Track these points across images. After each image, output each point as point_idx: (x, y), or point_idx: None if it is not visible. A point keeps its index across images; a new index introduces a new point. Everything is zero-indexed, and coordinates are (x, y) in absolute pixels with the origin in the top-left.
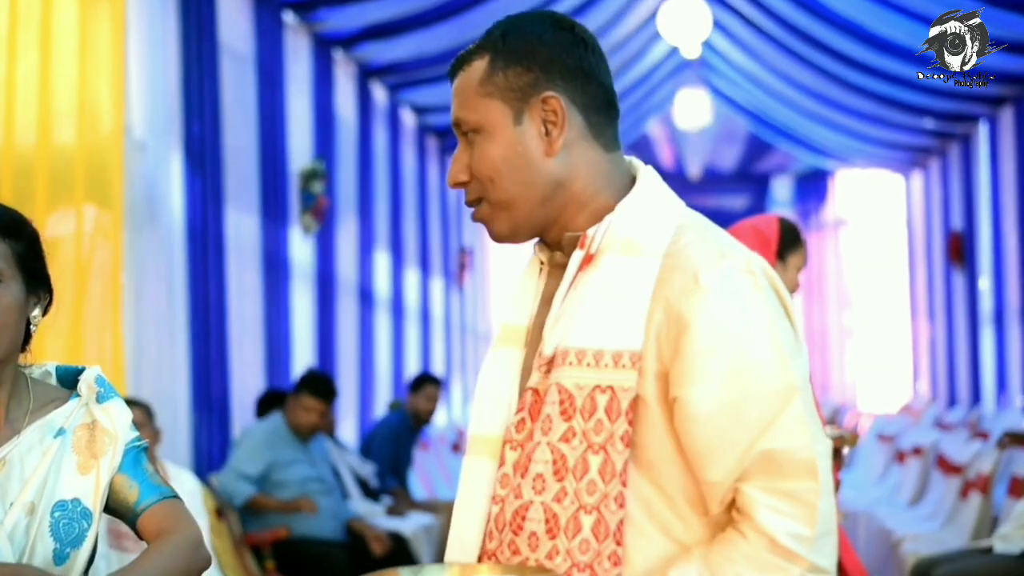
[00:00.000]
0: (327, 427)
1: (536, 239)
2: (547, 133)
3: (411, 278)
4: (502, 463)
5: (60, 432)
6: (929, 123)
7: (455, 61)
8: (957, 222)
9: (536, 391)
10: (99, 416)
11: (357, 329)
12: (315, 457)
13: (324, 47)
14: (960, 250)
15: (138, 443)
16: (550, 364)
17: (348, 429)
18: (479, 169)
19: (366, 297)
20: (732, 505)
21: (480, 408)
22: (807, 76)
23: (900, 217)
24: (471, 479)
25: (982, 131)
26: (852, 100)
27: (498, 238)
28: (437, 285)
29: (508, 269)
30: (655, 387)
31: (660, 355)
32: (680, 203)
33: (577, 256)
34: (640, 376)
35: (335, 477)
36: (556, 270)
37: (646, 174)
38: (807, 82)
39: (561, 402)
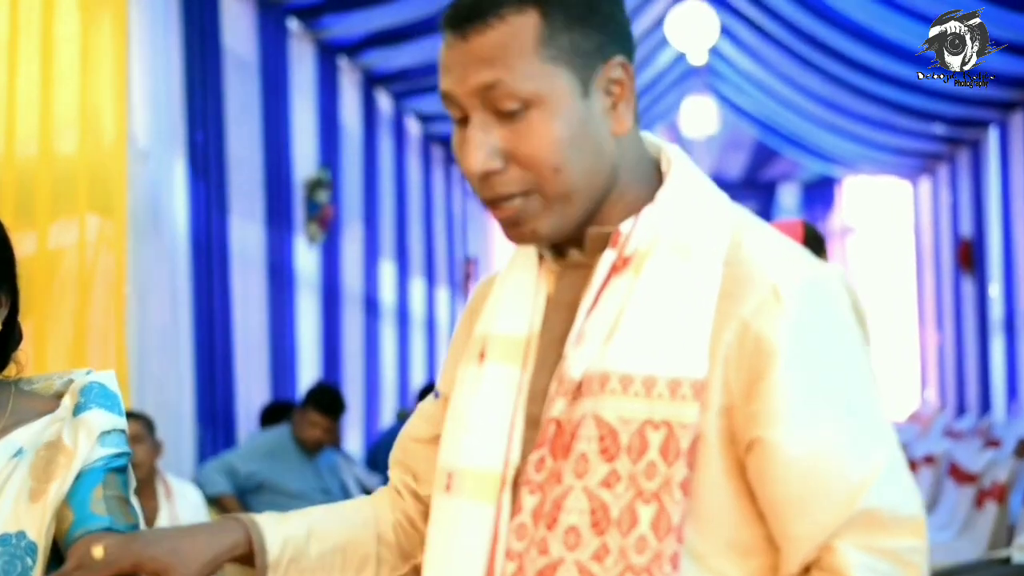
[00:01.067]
0: (332, 441)
1: None
2: (613, 107)
3: (416, 288)
4: (517, 510)
5: (18, 453)
6: (939, 128)
7: (468, 8)
8: (966, 228)
9: (559, 423)
10: (65, 432)
11: (363, 339)
12: (321, 469)
13: (329, 54)
14: (970, 257)
15: (104, 463)
16: (578, 391)
17: (354, 440)
18: (539, 154)
19: (371, 307)
20: (814, 563)
21: (465, 436)
22: (815, 81)
23: (908, 224)
24: (458, 525)
25: (992, 136)
26: (860, 106)
27: (532, 239)
28: (443, 295)
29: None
30: (717, 424)
31: (728, 386)
32: (723, 194)
33: (608, 257)
34: (702, 410)
35: (342, 489)
36: (570, 272)
37: (678, 157)
38: (815, 88)
39: (601, 438)
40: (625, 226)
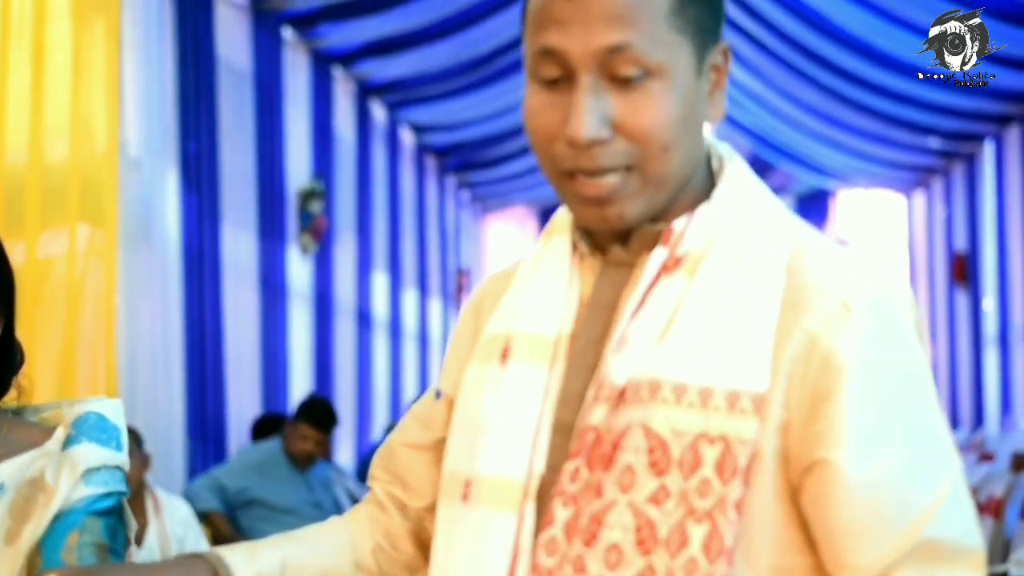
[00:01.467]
0: (324, 454)
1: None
2: (711, 93)
3: (409, 299)
4: (547, 522)
5: None
6: (934, 142)
7: None
8: (961, 242)
9: (599, 431)
10: (49, 468)
11: (355, 351)
12: (313, 483)
13: (323, 64)
14: (964, 270)
15: (86, 504)
16: (621, 398)
17: (345, 452)
18: (652, 128)
19: (364, 319)
20: None
21: (485, 441)
22: (810, 94)
23: (902, 237)
24: (477, 537)
25: (987, 150)
26: (856, 119)
27: (617, 222)
28: (435, 306)
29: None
30: (775, 441)
31: (789, 402)
32: (778, 199)
33: (659, 256)
34: (761, 425)
35: (333, 503)
36: (610, 270)
37: (731, 156)
38: (810, 100)
39: (650, 451)
40: (679, 224)
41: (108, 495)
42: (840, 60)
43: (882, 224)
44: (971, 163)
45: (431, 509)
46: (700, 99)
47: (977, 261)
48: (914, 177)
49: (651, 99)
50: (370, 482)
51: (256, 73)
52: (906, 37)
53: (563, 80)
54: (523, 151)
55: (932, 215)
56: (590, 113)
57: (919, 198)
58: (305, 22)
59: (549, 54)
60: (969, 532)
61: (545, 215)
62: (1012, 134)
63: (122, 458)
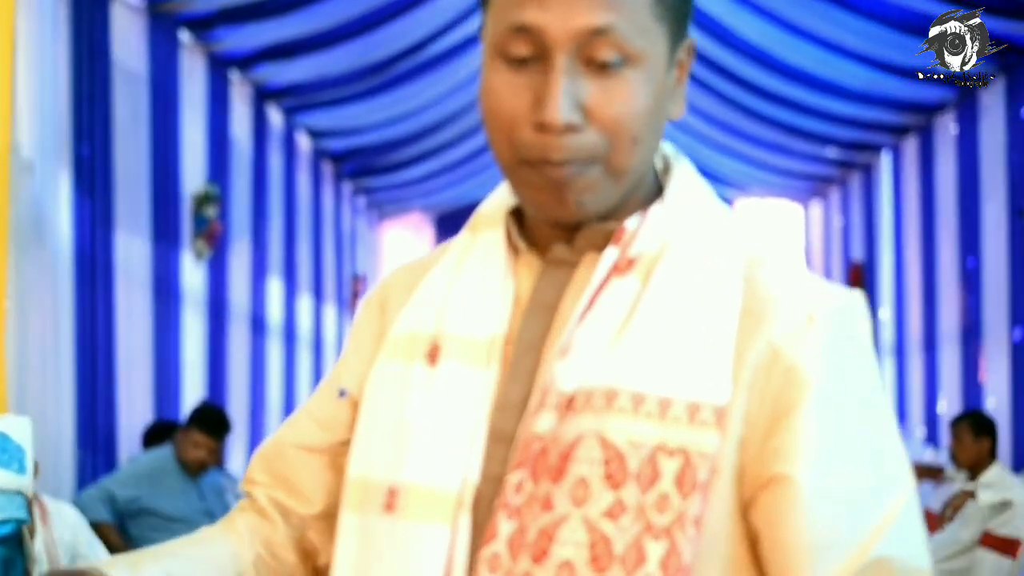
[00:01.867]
0: (216, 461)
1: (503, 217)
2: (674, 88)
3: (304, 305)
4: (490, 537)
5: None
6: (831, 152)
7: None
8: (857, 252)
9: (544, 441)
10: None
11: (248, 358)
12: (205, 491)
13: (220, 67)
14: (860, 280)
15: None
16: (569, 406)
17: (238, 459)
18: (624, 118)
19: (258, 325)
20: None
21: (412, 447)
22: (707, 102)
23: (798, 247)
24: (405, 552)
25: (884, 160)
26: (753, 128)
27: (577, 212)
28: (330, 313)
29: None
30: (734, 456)
31: (748, 414)
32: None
33: (610, 256)
34: (722, 438)
35: (225, 511)
36: (552, 269)
37: (675, 154)
38: (707, 109)
39: (606, 462)
40: (631, 223)
41: (4, 522)
42: (738, 69)
43: (779, 233)
44: (868, 173)
45: (321, 517)
46: (667, 93)
47: (874, 271)
48: (811, 187)
49: (626, 87)
50: (247, 487)
51: (152, 76)
52: (804, 46)
53: (533, 60)
54: (420, 157)
55: (829, 225)
56: (562, 96)
57: (816, 208)
58: (202, 25)
59: (523, 31)
60: (919, 553)
61: (442, 221)
62: (909, 145)
63: (24, 482)
